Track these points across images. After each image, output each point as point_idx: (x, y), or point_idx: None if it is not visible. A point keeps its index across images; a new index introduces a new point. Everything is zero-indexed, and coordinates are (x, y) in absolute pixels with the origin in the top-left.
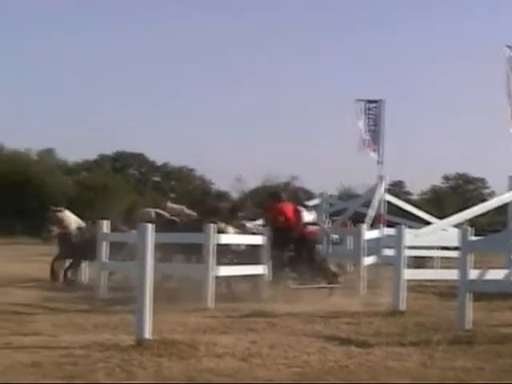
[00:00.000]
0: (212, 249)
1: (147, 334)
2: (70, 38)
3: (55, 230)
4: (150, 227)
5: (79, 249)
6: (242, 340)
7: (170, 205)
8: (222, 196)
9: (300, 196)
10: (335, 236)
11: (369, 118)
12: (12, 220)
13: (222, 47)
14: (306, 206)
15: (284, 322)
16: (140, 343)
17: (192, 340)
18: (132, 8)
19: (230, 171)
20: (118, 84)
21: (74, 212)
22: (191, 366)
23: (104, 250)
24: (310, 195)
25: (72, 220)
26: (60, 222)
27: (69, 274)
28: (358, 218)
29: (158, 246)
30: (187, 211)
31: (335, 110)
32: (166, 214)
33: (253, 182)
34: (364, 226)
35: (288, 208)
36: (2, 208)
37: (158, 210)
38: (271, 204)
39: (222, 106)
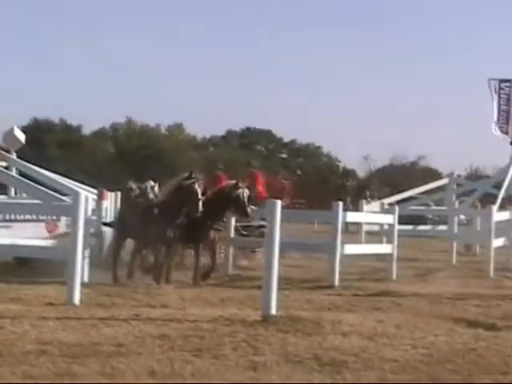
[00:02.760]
0: (340, 227)
1: (273, 310)
2: None
3: None
4: (279, 204)
5: None
6: (368, 319)
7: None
8: (348, 174)
9: None
10: (463, 217)
11: (500, 98)
12: None
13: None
14: None
15: (411, 302)
16: (266, 319)
17: (317, 317)
18: None
19: (359, 149)
20: (246, 62)
21: None
22: (316, 343)
23: (232, 225)
24: None
25: None
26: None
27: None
28: (487, 200)
29: None
30: None
31: (468, 90)
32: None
33: (381, 162)
34: (494, 208)
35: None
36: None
37: None
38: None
39: (352, 86)
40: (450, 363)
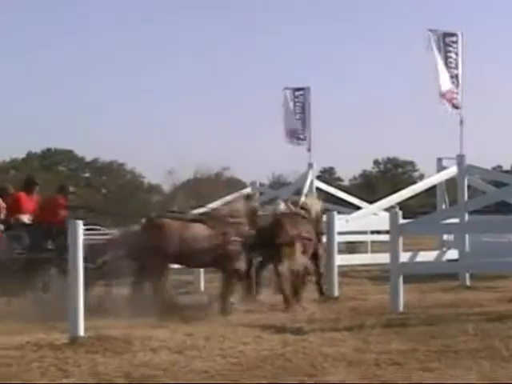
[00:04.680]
0: None
1: (81, 332)
2: None
3: None
4: (81, 225)
5: None
6: (178, 333)
7: None
8: (153, 189)
9: None
10: None
11: (296, 106)
12: None
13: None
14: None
15: (219, 313)
16: (74, 341)
17: (127, 335)
18: None
19: (164, 164)
20: (41, 80)
21: None
22: (126, 361)
23: None
24: None
25: None
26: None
27: None
28: None
29: None
30: None
31: (264, 98)
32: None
33: (186, 175)
34: None
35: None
36: None
37: None
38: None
39: (151, 96)
40: (258, 369)
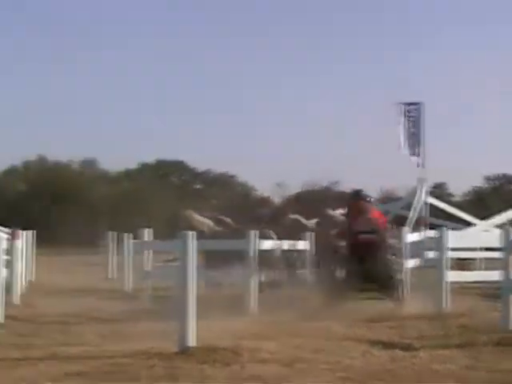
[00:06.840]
0: (253, 254)
1: (190, 342)
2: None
3: None
4: (192, 234)
5: None
6: (286, 345)
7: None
8: (264, 202)
9: None
10: None
11: (409, 121)
12: (56, 232)
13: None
14: None
15: (327, 327)
16: (183, 351)
17: (236, 346)
18: None
19: (275, 177)
20: (154, 93)
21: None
22: (235, 373)
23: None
24: None
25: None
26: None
27: None
28: (400, 221)
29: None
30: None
31: (376, 113)
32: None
33: (294, 187)
34: (406, 229)
35: None
36: (47, 220)
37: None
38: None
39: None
40: None
